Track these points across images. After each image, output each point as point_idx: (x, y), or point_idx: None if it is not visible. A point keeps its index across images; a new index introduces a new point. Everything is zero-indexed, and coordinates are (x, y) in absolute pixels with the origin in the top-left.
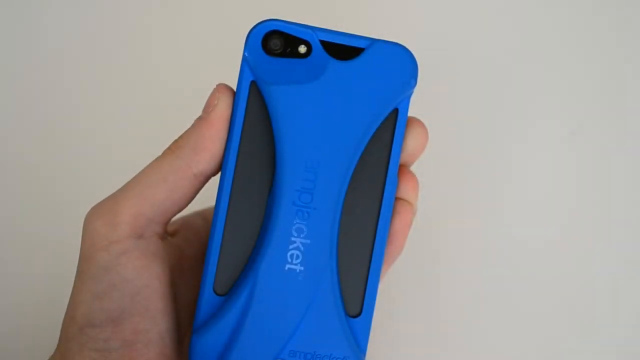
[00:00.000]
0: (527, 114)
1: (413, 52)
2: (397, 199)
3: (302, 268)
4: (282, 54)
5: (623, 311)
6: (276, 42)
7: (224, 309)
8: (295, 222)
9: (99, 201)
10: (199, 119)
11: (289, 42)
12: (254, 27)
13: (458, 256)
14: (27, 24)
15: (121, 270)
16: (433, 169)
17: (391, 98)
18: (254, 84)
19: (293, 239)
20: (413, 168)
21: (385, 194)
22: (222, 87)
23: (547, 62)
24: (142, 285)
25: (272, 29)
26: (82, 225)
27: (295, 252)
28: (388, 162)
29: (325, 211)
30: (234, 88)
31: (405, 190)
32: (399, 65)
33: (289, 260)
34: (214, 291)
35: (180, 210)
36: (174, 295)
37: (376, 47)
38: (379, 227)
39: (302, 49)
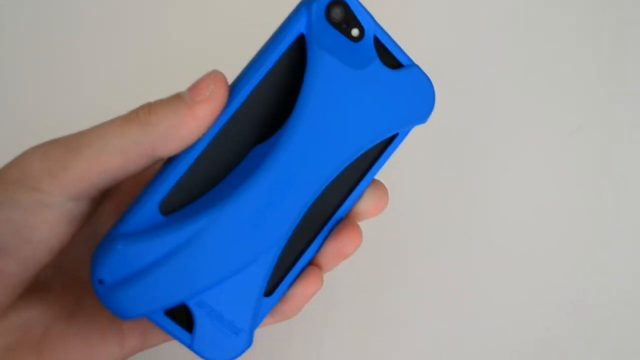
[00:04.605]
0: (526, 114)
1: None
2: (315, 264)
3: (254, 233)
4: (336, 26)
5: (624, 313)
6: (339, 12)
7: (165, 230)
8: (275, 189)
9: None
10: (182, 100)
11: (348, 19)
12: None
13: (458, 258)
14: (27, 21)
15: (29, 217)
16: (431, 170)
17: (403, 122)
18: (301, 38)
19: (264, 202)
20: (421, 165)
21: (339, 209)
22: (219, 77)
23: (547, 62)
24: (39, 238)
25: (347, 1)
26: None
27: (260, 216)
28: (359, 179)
29: (302, 193)
30: (229, 83)
31: (340, 244)
32: (422, 97)
33: (250, 220)
34: (159, 207)
35: (126, 179)
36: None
37: (413, 70)
38: (320, 233)
39: (355, 32)
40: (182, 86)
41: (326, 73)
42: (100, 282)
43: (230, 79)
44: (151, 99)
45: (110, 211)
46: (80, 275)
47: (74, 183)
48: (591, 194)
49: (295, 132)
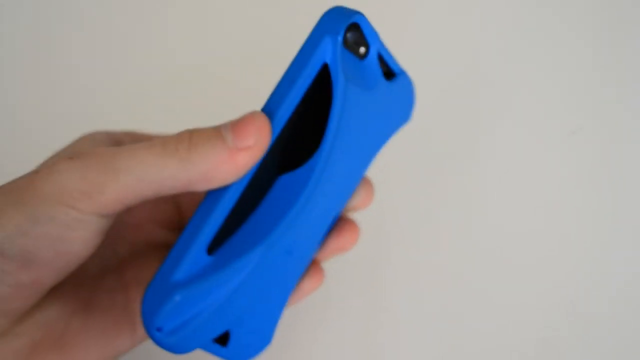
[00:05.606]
0: (526, 114)
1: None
2: (316, 261)
3: (290, 260)
4: (348, 47)
5: (624, 313)
6: (353, 34)
7: (216, 273)
8: (311, 219)
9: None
10: (224, 142)
11: (358, 39)
12: (356, 12)
13: (457, 258)
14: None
15: (65, 232)
16: (431, 171)
17: (397, 125)
18: (324, 67)
19: (301, 232)
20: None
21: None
22: (265, 125)
23: (547, 62)
24: (73, 250)
25: (360, 22)
26: None
27: (295, 244)
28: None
29: (330, 214)
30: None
31: (341, 241)
32: (407, 98)
33: (288, 249)
34: (206, 249)
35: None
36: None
37: (403, 78)
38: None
39: (362, 50)
40: (182, 87)
41: (350, 103)
42: (159, 329)
43: (232, 89)
44: (151, 100)
45: None
46: (87, 269)
47: (109, 205)
48: (591, 195)
49: (326, 165)
